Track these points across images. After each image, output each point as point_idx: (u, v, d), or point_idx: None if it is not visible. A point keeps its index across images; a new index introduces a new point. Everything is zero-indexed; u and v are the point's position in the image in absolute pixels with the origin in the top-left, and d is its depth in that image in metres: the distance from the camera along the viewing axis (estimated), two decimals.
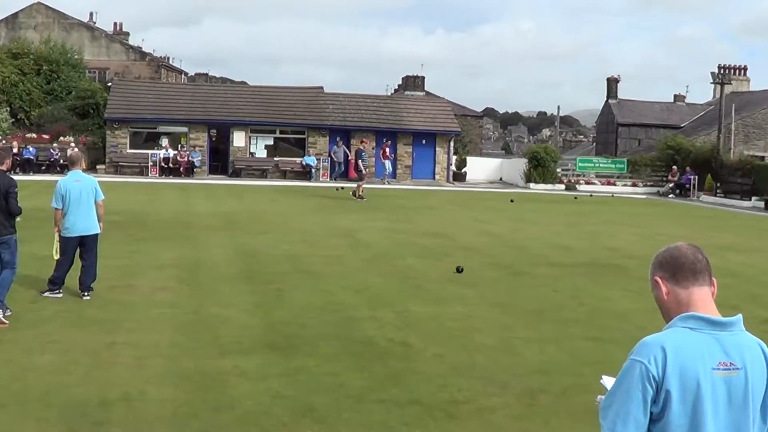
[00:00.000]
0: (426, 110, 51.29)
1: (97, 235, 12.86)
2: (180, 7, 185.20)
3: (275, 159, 46.77)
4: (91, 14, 69.37)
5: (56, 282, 12.73)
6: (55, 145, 43.97)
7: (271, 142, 47.50)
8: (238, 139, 46.50)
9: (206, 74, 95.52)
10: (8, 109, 49.09)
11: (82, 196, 12.57)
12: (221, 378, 9.09)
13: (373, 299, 13.50)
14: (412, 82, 68.48)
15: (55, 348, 9.98)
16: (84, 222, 12.61)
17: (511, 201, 35.61)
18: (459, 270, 16.05)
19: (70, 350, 9.90)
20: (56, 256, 12.66)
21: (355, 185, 34.50)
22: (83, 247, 12.76)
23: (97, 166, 44.17)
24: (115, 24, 72.38)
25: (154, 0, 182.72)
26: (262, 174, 45.62)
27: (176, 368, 9.37)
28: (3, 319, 10.92)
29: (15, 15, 63.94)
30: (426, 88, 68.40)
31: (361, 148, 35.10)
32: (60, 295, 12.64)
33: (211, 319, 11.73)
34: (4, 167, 11.46)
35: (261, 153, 47.13)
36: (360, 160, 33.90)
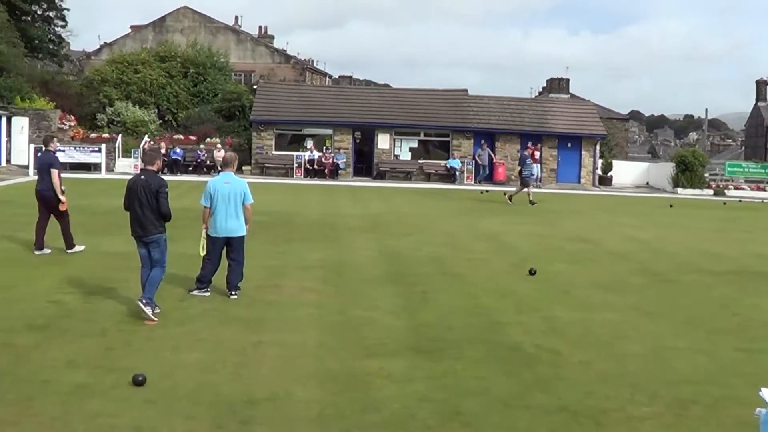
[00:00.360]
0: (571, 113, 50.47)
1: (243, 237, 13.00)
2: (324, 10, 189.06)
3: (419, 161, 46.81)
4: (236, 18, 70.97)
5: (203, 281, 12.96)
6: (201, 146, 45.14)
7: (416, 145, 47.56)
8: (383, 141, 46.74)
9: (350, 77, 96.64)
10: (156, 110, 50.69)
11: (230, 198, 12.74)
12: (367, 379, 9.08)
13: (519, 303, 13.29)
14: (557, 85, 67.61)
15: (203, 346, 10.16)
16: (230, 223, 12.76)
17: (670, 206, 34.72)
18: (532, 272, 15.77)
19: (217, 348, 10.05)
20: (202, 253, 12.89)
21: (514, 189, 34.12)
22: (229, 247, 12.93)
23: (243, 168, 45.13)
24: (260, 27, 73.92)
25: (299, 3, 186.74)
26: (407, 176, 45.74)
27: (322, 368, 9.40)
28: (152, 317, 11.18)
29: (162, 19, 65.92)
30: (570, 91, 67.42)
31: (526, 154, 34.41)
32: (207, 294, 12.87)
33: (356, 321, 11.75)
34: (154, 168, 11.79)
35: (405, 155, 47.24)
36: (524, 167, 32.98)
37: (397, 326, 11.51)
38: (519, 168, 34.80)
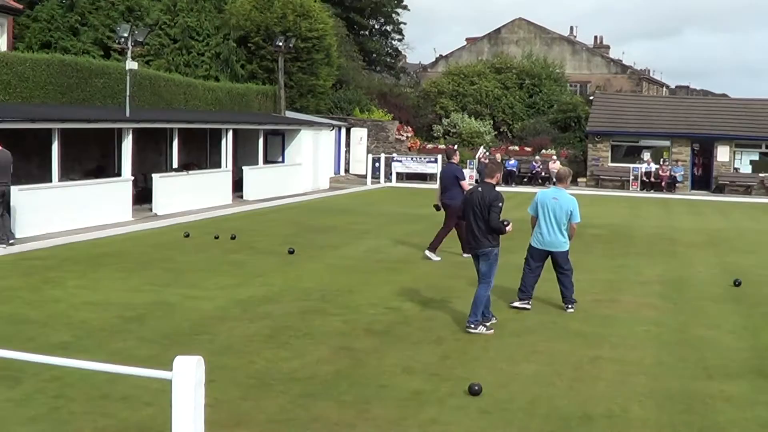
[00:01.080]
0: None
1: (565, 252, 12.83)
2: (660, 19, 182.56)
3: (761, 175, 44.20)
4: (571, 28, 70.56)
5: (524, 291, 12.94)
6: (536, 157, 45.28)
7: (756, 157, 44.97)
8: (722, 153, 44.64)
9: (687, 87, 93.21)
10: (492, 122, 51.45)
11: (555, 214, 12.60)
12: (706, 402, 8.71)
13: None
14: None
15: (539, 358, 10.15)
16: (550, 237, 12.67)
17: None
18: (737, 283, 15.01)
19: (553, 361, 10.01)
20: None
21: None
22: (554, 261, 12.85)
23: (578, 179, 44.79)
24: (596, 37, 73.04)
25: (634, 12, 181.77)
26: (746, 190, 43.38)
27: (660, 387, 9.12)
28: (487, 332, 11.29)
29: (498, 31, 66.79)
30: None
31: None
32: (528, 307, 12.84)
33: (696, 340, 11.30)
34: (493, 181, 11.73)
35: (746, 168, 44.79)
36: None
37: (739, 347, 10.97)
38: None
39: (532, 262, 12.87)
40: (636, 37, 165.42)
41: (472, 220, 11.44)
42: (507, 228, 11.35)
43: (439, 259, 17.46)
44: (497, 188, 11.68)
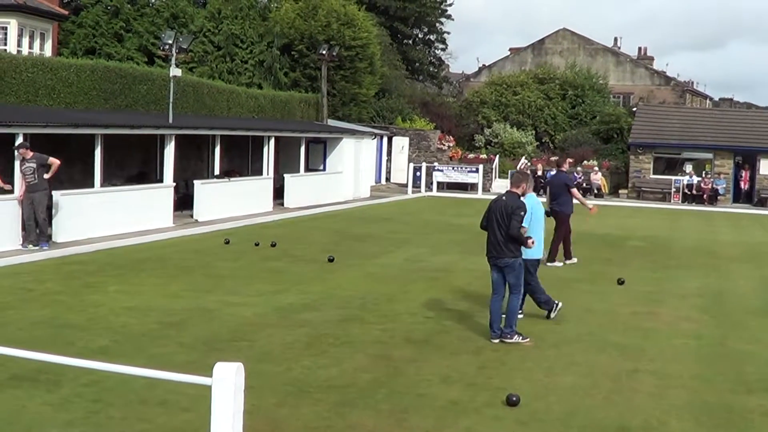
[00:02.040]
0: None
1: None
2: (705, 31, 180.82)
3: None
4: (615, 39, 70.18)
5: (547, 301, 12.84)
6: (578, 168, 45.03)
7: None
8: (765, 166, 44.17)
9: (730, 99, 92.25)
10: (534, 132, 51.25)
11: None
12: (746, 416, 8.66)
13: None
14: None
15: (577, 370, 10.11)
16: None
17: None
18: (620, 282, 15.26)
19: (591, 373, 9.96)
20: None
21: None
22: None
23: (620, 191, 44.54)
24: (639, 48, 72.53)
25: (679, 24, 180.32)
26: None
27: (698, 401, 9.06)
28: (522, 341, 11.25)
29: (541, 41, 66.58)
30: None
31: None
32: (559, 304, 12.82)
33: (735, 354, 11.22)
34: (519, 190, 11.48)
35: None
36: None
37: None
38: None
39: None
40: (680, 49, 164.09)
41: (496, 229, 11.22)
42: (529, 242, 11.19)
43: (561, 264, 18.13)
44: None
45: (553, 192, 18.21)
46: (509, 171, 43.89)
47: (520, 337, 11.27)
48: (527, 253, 11.74)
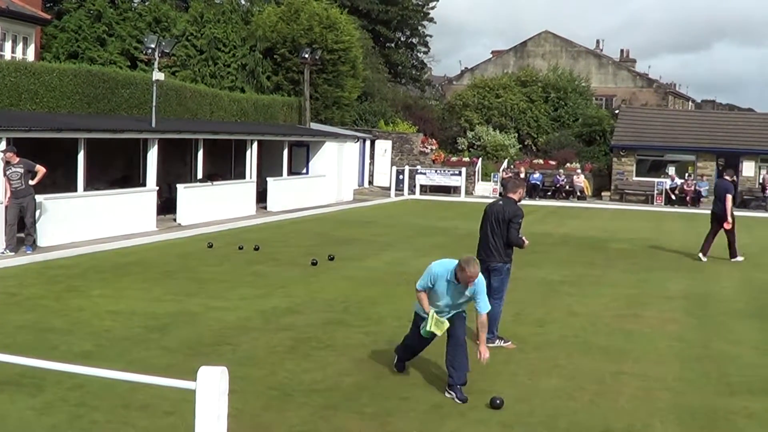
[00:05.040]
0: None
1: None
2: (689, 33, 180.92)
3: None
4: (597, 42, 70.53)
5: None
6: (561, 171, 45.14)
7: None
8: (748, 168, 44.40)
9: (713, 101, 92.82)
10: (516, 135, 51.37)
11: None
12: (729, 418, 8.68)
13: None
14: None
15: (560, 372, 10.13)
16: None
17: None
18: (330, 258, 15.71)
19: (575, 376, 9.98)
20: None
21: None
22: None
23: (602, 194, 44.68)
24: (622, 51, 72.93)
25: (663, 26, 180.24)
26: None
27: (682, 403, 9.09)
28: (508, 345, 11.24)
29: (524, 44, 66.80)
30: None
31: None
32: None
33: (719, 356, 11.25)
34: (516, 196, 11.49)
35: None
36: None
37: (763, 363, 10.92)
38: None
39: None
40: (663, 51, 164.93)
41: (489, 234, 11.25)
42: (525, 243, 11.25)
43: (742, 259, 20.77)
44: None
45: (716, 195, 21.19)
46: (492, 174, 44.11)
47: (502, 341, 11.27)
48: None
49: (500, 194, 12.06)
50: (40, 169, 18.24)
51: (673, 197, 42.13)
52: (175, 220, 24.70)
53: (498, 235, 11.18)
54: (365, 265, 18.35)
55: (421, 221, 28.65)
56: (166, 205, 25.48)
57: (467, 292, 9.10)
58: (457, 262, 8.98)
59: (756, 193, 43.49)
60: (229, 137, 30.37)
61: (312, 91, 41.05)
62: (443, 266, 9.14)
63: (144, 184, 24.26)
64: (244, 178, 29.73)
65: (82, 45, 37.20)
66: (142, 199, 23.07)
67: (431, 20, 64.05)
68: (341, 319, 12.74)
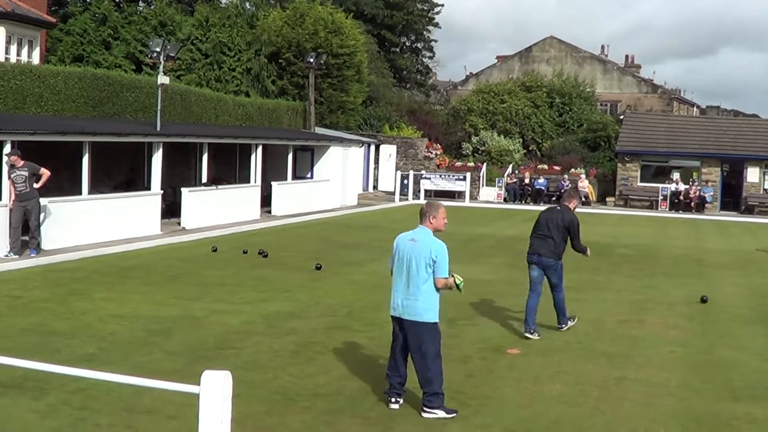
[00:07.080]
0: None
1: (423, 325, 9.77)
2: (695, 39, 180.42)
3: None
4: (602, 47, 70.59)
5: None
6: (565, 176, 45.12)
7: None
8: (752, 174, 44.35)
9: (717, 107, 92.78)
10: (521, 140, 51.32)
11: (411, 264, 10.15)
12: (732, 424, 8.67)
13: None
14: None
15: (564, 378, 10.11)
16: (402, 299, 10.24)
17: None
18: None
19: (579, 381, 9.97)
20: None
21: None
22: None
23: (607, 199, 44.65)
24: (627, 56, 72.96)
25: (668, 32, 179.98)
26: None
27: (685, 409, 9.07)
28: (572, 323, 12.65)
29: (528, 49, 66.80)
30: None
31: None
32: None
33: (722, 361, 11.24)
34: (571, 205, 12.58)
35: None
36: None
37: (766, 369, 10.91)
38: None
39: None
40: (668, 57, 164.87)
41: (547, 234, 12.24)
42: (588, 252, 12.81)
43: None
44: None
45: None
46: (497, 179, 44.11)
47: (572, 321, 12.74)
48: (423, 316, 9.48)
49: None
50: (45, 173, 18.26)
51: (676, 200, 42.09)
52: (179, 224, 24.71)
53: (558, 237, 12.26)
54: (369, 269, 18.35)
55: None
56: (171, 209, 25.50)
57: (432, 255, 9.39)
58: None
59: (759, 199, 43.43)
60: (233, 141, 30.38)
61: (317, 95, 41.08)
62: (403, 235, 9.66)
63: (148, 188, 24.27)
64: (248, 182, 29.75)
65: (87, 48, 37.30)
66: (147, 203, 23.08)
67: (436, 25, 64.13)
68: (345, 323, 12.74)
